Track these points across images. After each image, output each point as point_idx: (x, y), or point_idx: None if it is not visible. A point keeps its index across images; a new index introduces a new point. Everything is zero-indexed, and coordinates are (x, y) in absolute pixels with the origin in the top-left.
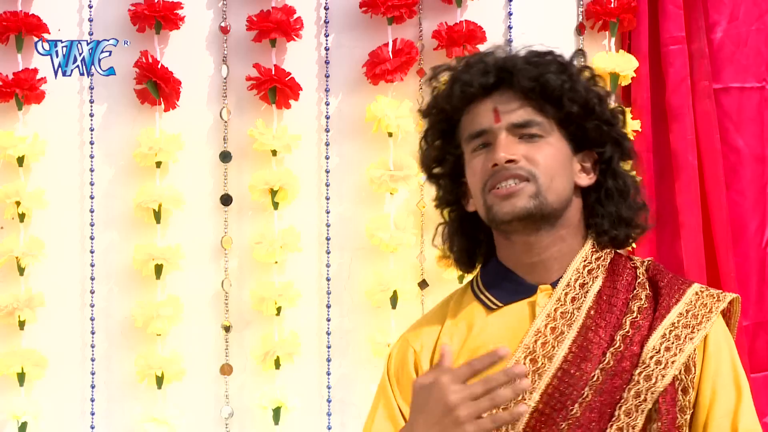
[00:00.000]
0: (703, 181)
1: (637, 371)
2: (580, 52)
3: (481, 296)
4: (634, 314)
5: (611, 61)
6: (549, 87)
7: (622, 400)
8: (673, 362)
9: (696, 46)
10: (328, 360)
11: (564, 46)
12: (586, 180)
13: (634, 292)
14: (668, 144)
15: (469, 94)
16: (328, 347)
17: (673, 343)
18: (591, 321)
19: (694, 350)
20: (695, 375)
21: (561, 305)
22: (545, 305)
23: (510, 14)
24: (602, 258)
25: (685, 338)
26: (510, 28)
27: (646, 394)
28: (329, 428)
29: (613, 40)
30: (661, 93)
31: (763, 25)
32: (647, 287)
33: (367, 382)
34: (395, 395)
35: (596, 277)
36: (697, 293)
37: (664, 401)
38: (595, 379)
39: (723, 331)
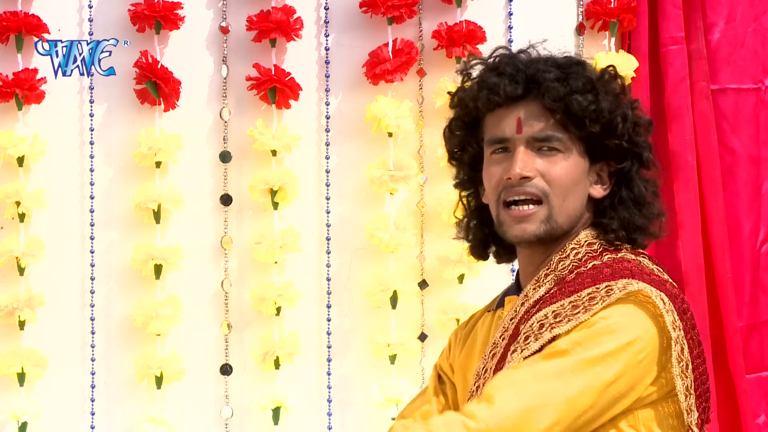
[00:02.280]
0: (701, 181)
1: (512, 349)
2: (611, 67)
3: (494, 300)
4: (542, 312)
5: (611, 62)
6: (573, 108)
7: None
8: (523, 350)
9: (694, 46)
10: (328, 360)
11: (564, 46)
12: (600, 191)
13: (557, 295)
14: (667, 144)
15: (494, 102)
16: (328, 347)
17: (534, 332)
18: (518, 326)
19: (556, 337)
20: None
21: (516, 315)
22: (505, 315)
23: (510, 14)
24: (564, 266)
25: (548, 327)
26: (510, 28)
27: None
28: (329, 428)
29: (613, 40)
30: (661, 93)
31: (760, 26)
32: (554, 282)
33: (367, 382)
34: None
35: (543, 285)
36: (597, 288)
37: None
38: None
39: (598, 318)
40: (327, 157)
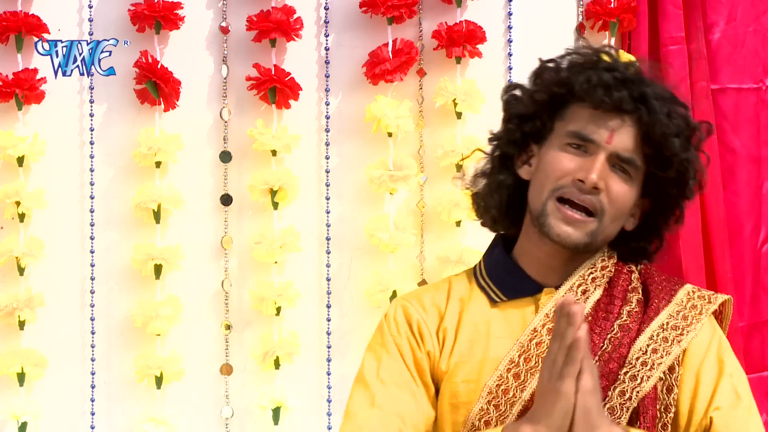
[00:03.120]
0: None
1: (623, 371)
2: (707, 124)
3: (486, 288)
4: (624, 318)
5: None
6: (667, 148)
7: (608, 398)
8: (659, 364)
9: (695, 46)
10: (328, 360)
11: (564, 46)
12: (631, 225)
13: (628, 297)
14: None
15: (605, 104)
16: (328, 347)
17: (660, 345)
18: (587, 325)
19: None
20: (678, 374)
21: None
22: (545, 305)
23: (510, 14)
24: (608, 268)
25: (673, 341)
26: (510, 28)
27: (631, 393)
28: (329, 428)
29: (613, 40)
30: None
31: (761, 26)
32: (639, 291)
33: None
34: (401, 347)
35: (598, 286)
36: (688, 294)
37: (645, 400)
38: None
39: (710, 330)
40: (327, 157)
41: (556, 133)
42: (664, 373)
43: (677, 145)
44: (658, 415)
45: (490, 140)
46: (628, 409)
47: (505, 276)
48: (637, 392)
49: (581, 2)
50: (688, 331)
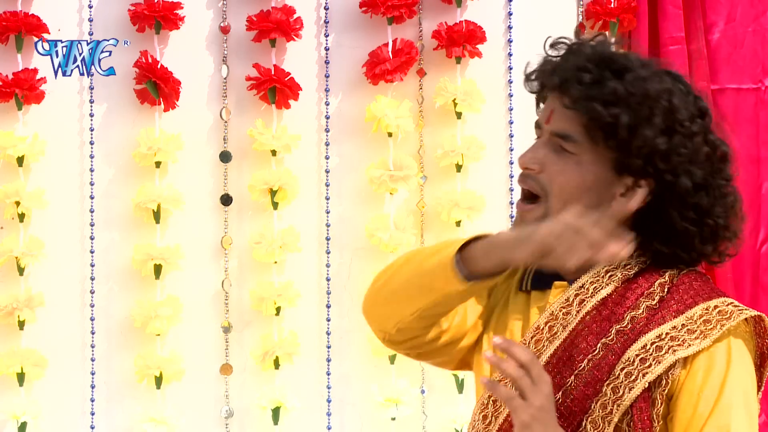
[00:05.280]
0: None
1: (607, 382)
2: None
3: (525, 273)
4: (625, 323)
5: None
6: (588, 115)
7: (590, 410)
8: (644, 374)
9: (694, 46)
10: (328, 360)
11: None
12: (625, 206)
13: (638, 301)
14: None
15: (532, 86)
16: (328, 347)
17: (651, 354)
18: (583, 326)
19: (675, 363)
20: (669, 389)
21: (567, 305)
22: (553, 302)
23: (510, 14)
24: (630, 266)
25: (668, 350)
26: (510, 28)
27: (612, 407)
28: (329, 428)
29: (612, 40)
30: None
31: (760, 26)
32: (655, 299)
33: (367, 382)
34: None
35: (611, 283)
36: (707, 309)
37: (638, 413)
38: (569, 384)
39: (727, 352)
40: (327, 157)
41: None
42: (651, 384)
43: (599, 110)
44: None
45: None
46: (610, 423)
47: (541, 270)
48: (618, 405)
49: (581, 2)
50: (690, 344)
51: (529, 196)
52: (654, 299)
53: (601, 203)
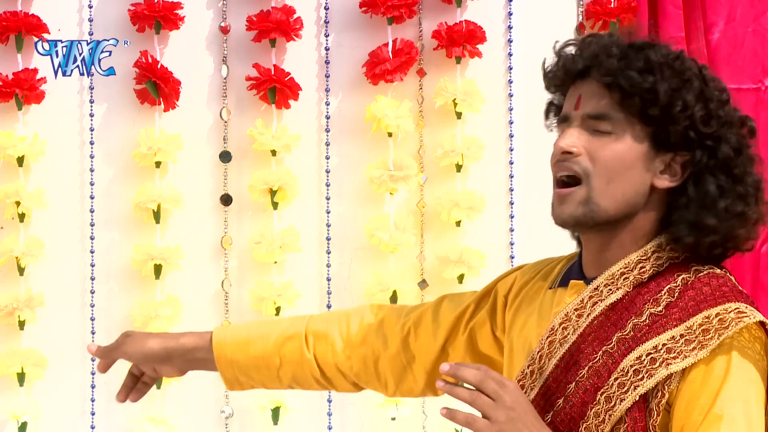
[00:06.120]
0: None
1: (602, 390)
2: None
3: (561, 270)
4: (627, 331)
5: None
6: (625, 85)
7: (585, 417)
8: (635, 387)
9: (695, 46)
10: None
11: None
12: (666, 182)
13: (644, 308)
14: None
15: (558, 77)
16: None
17: (645, 366)
18: (590, 331)
19: (671, 375)
20: (666, 400)
21: (581, 307)
22: (569, 303)
23: (510, 14)
24: (644, 270)
25: (662, 363)
26: (510, 28)
27: (605, 416)
28: (329, 428)
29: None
30: None
31: (760, 26)
32: (661, 304)
33: None
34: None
35: (623, 287)
36: (707, 317)
37: (632, 423)
38: (569, 390)
39: (726, 362)
40: (327, 157)
41: None
42: (646, 394)
43: (636, 78)
44: None
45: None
46: None
47: (573, 265)
48: (610, 415)
49: (581, 2)
50: (686, 356)
51: (567, 182)
52: (660, 305)
53: (643, 181)
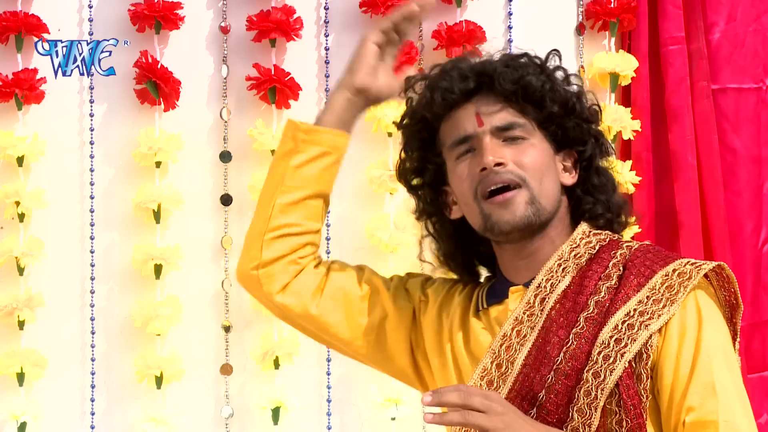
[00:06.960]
0: (701, 181)
1: (586, 369)
2: (554, 52)
3: (480, 295)
4: (591, 309)
5: (611, 61)
6: (530, 88)
7: (575, 400)
8: (622, 354)
9: (695, 46)
10: (328, 360)
11: (564, 46)
12: (569, 179)
13: (597, 285)
14: (668, 144)
15: (450, 100)
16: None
17: (624, 333)
18: (551, 322)
19: (650, 336)
20: (651, 361)
21: (530, 307)
22: (515, 308)
23: (510, 14)
24: (580, 255)
25: (640, 326)
26: (510, 28)
27: (596, 392)
28: (329, 428)
29: (613, 40)
30: (661, 93)
31: (761, 26)
32: (614, 278)
33: (367, 382)
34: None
35: (567, 274)
36: (667, 274)
37: (626, 390)
38: (549, 381)
39: (696, 311)
40: None
41: (448, 159)
42: (632, 361)
43: (537, 81)
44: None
45: (418, 218)
46: (596, 408)
47: (494, 283)
48: (602, 390)
49: (581, 2)
50: (660, 314)
51: (508, 189)
52: (612, 279)
53: (557, 178)
